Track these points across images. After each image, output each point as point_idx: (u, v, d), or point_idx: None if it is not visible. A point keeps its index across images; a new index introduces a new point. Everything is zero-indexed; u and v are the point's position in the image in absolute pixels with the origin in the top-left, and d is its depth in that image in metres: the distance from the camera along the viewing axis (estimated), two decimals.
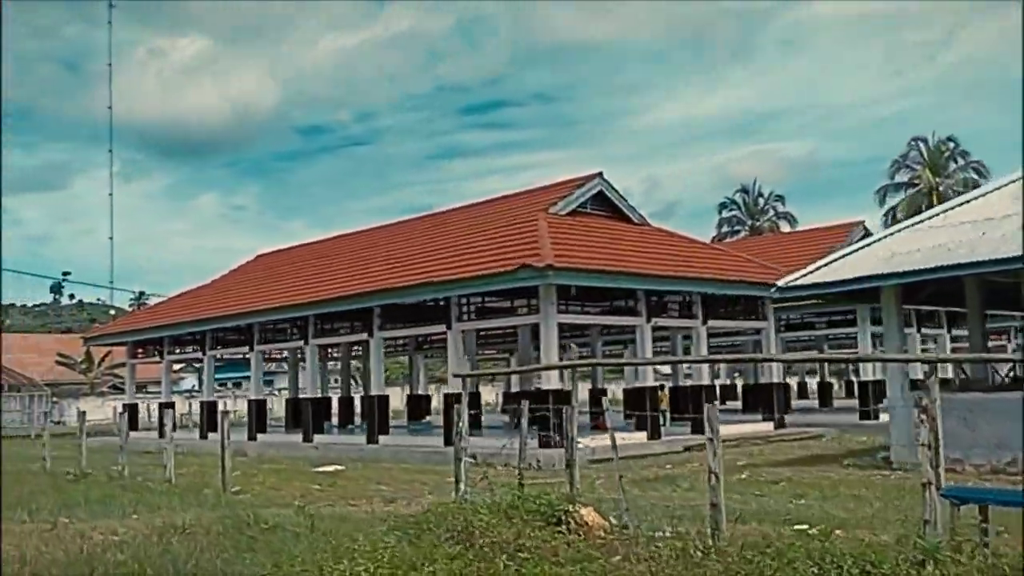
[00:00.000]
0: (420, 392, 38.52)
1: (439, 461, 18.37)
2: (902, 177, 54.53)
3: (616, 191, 24.95)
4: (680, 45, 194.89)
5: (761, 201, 66.63)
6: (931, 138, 54.29)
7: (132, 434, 20.52)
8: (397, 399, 35.51)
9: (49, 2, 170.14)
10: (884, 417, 24.06)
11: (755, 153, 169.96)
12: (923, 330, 31.58)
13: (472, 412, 16.26)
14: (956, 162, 54.08)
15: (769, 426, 24.13)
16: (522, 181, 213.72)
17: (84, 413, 20.77)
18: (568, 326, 24.49)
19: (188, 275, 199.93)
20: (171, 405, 28.11)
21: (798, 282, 15.54)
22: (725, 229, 65.38)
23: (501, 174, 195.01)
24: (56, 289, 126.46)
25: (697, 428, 21.95)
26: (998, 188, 15.62)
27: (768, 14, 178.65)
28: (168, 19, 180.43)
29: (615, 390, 41.39)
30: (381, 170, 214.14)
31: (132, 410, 32.78)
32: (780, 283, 16.05)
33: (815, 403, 38.40)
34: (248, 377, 34.53)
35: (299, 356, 32.89)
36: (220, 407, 24.24)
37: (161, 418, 28.94)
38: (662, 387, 24.64)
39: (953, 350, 31.41)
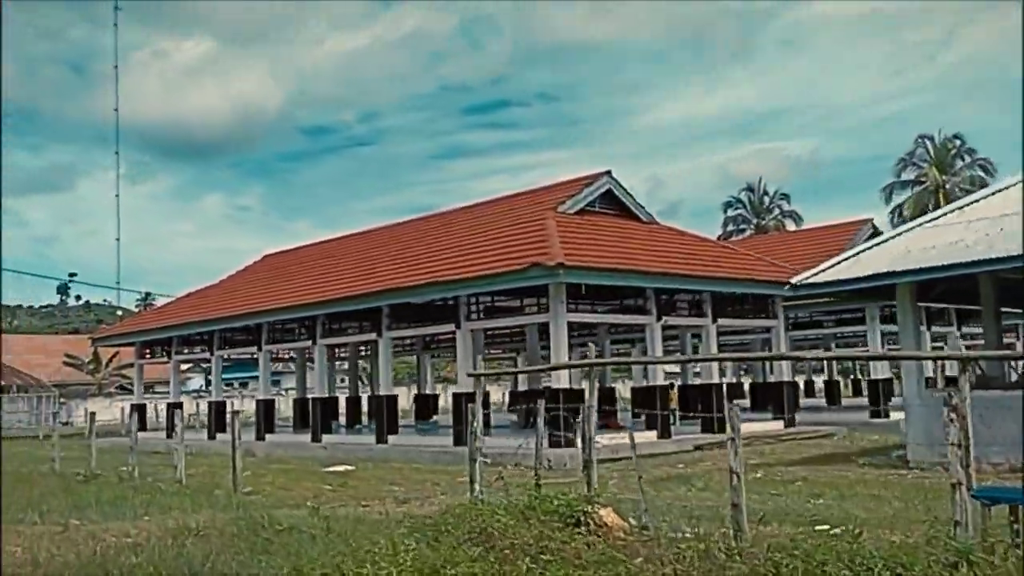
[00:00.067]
0: (427, 392, 38.49)
1: (449, 461, 18.32)
2: (908, 175, 54.33)
3: (625, 189, 24.82)
4: (680, 45, 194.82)
5: (766, 200, 66.48)
6: (937, 136, 54.15)
7: (140, 435, 20.44)
8: (404, 399, 35.47)
9: (55, 5, 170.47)
10: (895, 416, 24.05)
11: (757, 152, 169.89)
12: (932, 328, 31.40)
13: (483, 412, 16.18)
14: (963, 160, 53.85)
15: (779, 425, 23.98)
16: (525, 181, 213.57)
17: (94, 414, 20.72)
18: (576, 325, 24.39)
19: (193, 276, 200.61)
20: (179, 405, 28.07)
21: (812, 280, 15.43)
22: (731, 228, 65.21)
23: (505, 174, 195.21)
24: (63, 290, 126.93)
25: (707, 427, 21.87)
26: (1014, 185, 15.47)
27: (768, 14, 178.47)
28: (172, 21, 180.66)
29: (621, 389, 41.28)
30: (385, 170, 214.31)
31: (140, 411, 32.76)
32: (794, 280, 15.95)
33: (822, 401, 38.26)
34: (255, 377, 34.52)
35: (307, 356, 32.83)
36: (229, 407, 24.19)
37: (170, 418, 28.90)
38: (672, 386, 24.53)
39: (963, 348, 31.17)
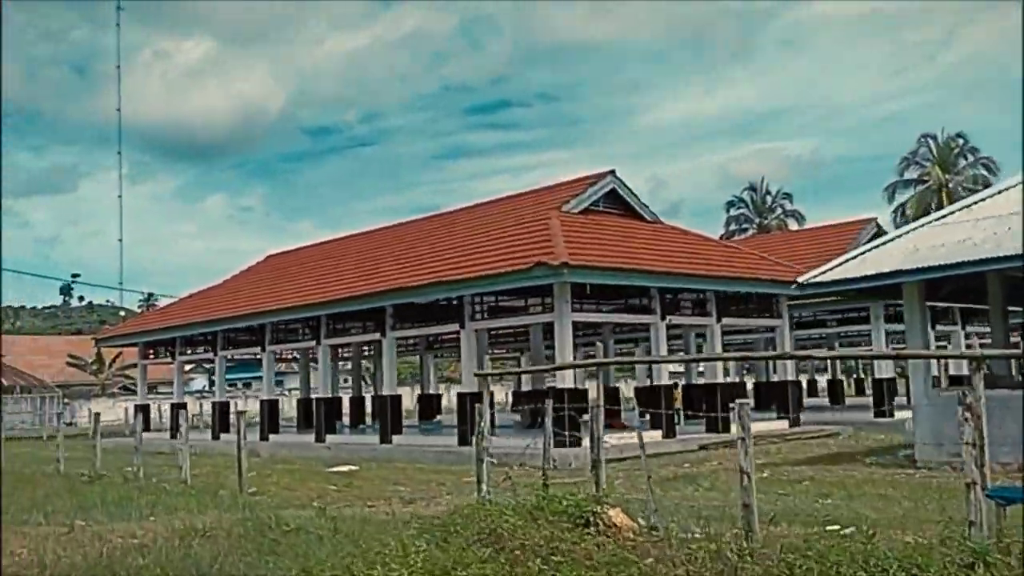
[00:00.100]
0: (431, 392, 38.45)
1: (453, 461, 18.29)
2: (911, 174, 54.22)
3: (629, 189, 24.75)
4: (680, 45, 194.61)
5: (769, 199, 66.39)
6: (940, 135, 54.02)
7: (145, 435, 20.42)
8: (407, 399, 35.42)
9: (57, 6, 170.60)
10: (900, 415, 23.96)
11: (758, 152, 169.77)
12: (937, 327, 31.30)
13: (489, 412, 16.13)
14: (966, 158, 53.76)
15: (784, 424, 23.93)
16: (527, 181, 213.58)
17: (98, 414, 20.67)
18: (580, 324, 24.34)
19: (196, 276, 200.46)
20: (183, 406, 28.04)
21: (819, 279, 15.36)
22: (733, 227, 65.12)
23: (507, 174, 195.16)
24: (66, 291, 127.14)
25: (711, 427, 21.82)
26: (1015, 185, 15.40)
27: (768, 14, 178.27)
28: (172, 21, 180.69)
29: (624, 389, 41.22)
30: (388, 170, 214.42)
31: (144, 411, 32.73)
32: (801, 279, 15.88)
33: (825, 401, 38.17)
34: (259, 377, 34.48)
35: (311, 356, 32.80)
36: (233, 407, 24.15)
37: (175, 419, 28.89)
38: (676, 385, 24.48)
39: (967, 347, 31.12)
